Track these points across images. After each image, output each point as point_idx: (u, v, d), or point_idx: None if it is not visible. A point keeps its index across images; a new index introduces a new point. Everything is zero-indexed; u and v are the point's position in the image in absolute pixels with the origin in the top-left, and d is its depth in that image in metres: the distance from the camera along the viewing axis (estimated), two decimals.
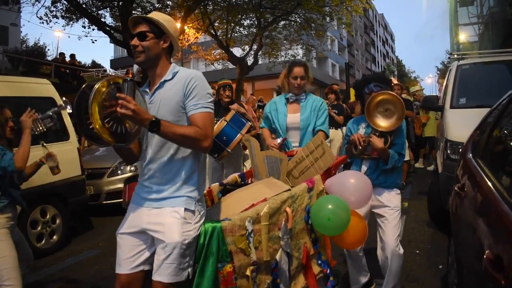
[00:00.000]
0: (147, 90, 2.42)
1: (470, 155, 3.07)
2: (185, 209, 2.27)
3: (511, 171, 2.25)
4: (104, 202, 7.15)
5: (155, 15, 2.39)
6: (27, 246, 3.70)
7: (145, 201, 2.35)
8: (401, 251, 3.40)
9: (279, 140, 3.81)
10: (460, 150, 4.72)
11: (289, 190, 2.76)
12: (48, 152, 3.69)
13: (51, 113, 3.85)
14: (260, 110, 13.82)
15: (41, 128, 3.69)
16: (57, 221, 5.73)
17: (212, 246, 2.27)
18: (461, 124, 5.31)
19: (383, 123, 3.37)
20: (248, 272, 2.39)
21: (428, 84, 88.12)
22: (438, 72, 68.89)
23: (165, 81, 2.36)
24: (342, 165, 5.77)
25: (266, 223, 2.48)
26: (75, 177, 6.03)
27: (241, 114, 5.39)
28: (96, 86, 2.05)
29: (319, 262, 2.93)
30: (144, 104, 2.25)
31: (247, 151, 8.43)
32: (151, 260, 2.33)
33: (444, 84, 7.41)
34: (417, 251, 4.87)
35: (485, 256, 1.73)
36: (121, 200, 6.53)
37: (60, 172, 3.81)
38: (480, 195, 2.38)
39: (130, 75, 17.63)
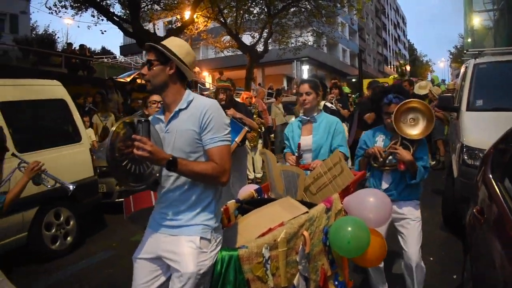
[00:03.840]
0: (162, 117, 2.40)
1: (491, 175, 2.98)
2: (201, 238, 2.25)
3: None
4: (117, 200, 7.16)
5: (168, 42, 2.37)
6: None
7: (161, 227, 2.35)
8: (422, 261, 3.44)
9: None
10: (479, 156, 4.65)
11: (306, 212, 2.71)
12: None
13: (55, 181, 3.68)
14: (273, 98, 13.70)
15: (36, 181, 3.42)
16: (71, 223, 5.76)
17: (229, 275, 2.25)
18: (478, 128, 5.21)
19: (413, 131, 3.35)
20: None
21: (441, 68, 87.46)
22: (451, 56, 68.14)
23: (180, 110, 2.32)
24: None
25: (283, 249, 2.45)
26: (88, 178, 6.05)
27: (237, 119, 5.33)
28: (114, 128, 2.08)
29: (336, 283, 2.89)
30: (159, 141, 2.25)
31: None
32: (167, 285, 2.33)
33: (459, 82, 7.26)
34: (431, 258, 4.79)
35: None
36: None
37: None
38: (502, 230, 2.30)
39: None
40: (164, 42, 2.36)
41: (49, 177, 3.52)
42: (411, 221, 3.44)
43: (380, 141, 3.56)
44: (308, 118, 3.82)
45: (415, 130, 3.35)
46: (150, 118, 2.51)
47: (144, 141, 2.01)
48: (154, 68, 2.31)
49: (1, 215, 3.10)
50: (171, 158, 2.10)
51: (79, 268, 5.16)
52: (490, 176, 2.97)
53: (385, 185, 3.49)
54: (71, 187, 3.74)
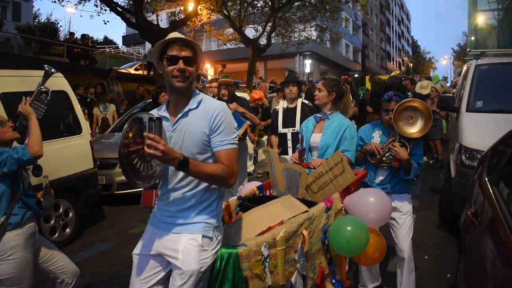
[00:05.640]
0: (167, 115, 2.37)
1: (487, 178, 3.01)
2: (203, 236, 2.27)
3: None
4: (116, 192, 7.19)
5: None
6: (62, 262, 3.43)
7: (163, 225, 2.36)
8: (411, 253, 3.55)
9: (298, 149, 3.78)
10: (477, 157, 4.68)
11: (306, 211, 2.74)
12: (48, 189, 3.41)
13: (42, 87, 3.46)
14: (276, 94, 13.61)
15: (42, 107, 3.38)
16: (70, 214, 5.79)
17: (227, 273, 2.27)
18: (477, 129, 5.24)
19: (411, 129, 3.42)
20: None
21: (443, 66, 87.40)
22: (454, 54, 68.00)
23: (190, 110, 2.32)
24: None
25: (282, 247, 2.47)
26: (88, 170, 6.08)
27: (239, 113, 5.36)
28: (126, 125, 2.06)
29: (333, 281, 2.92)
30: (166, 140, 2.22)
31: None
32: (165, 280, 2.36)
33: (460, 82, 7.26)
34: (426, 257, 4.85)
35: None
36: (133, 190, 6.58)
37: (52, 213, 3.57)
38: (494, 233, 2.32)
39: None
40: (189, 40, 2.33)
41: (37, 98, 3.40)
42: (402, 215, 3.53)
43: (376, 137, 3.62)
44: (321, 115, 3.86)
45: (413, 128, 3.42)
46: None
47: (157, 139, 1.97)
48: (193, 66, 2.30)
49: (34, 161, 3.10)
50: (182, 158, 2.08)
51: (78, 259, 5.16)
52: (486, 178, 2.99)
53: (380, 179, 3.57)
54: (49, 70, 3.56)
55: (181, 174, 2.29)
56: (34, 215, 3.18)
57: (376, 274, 3.78)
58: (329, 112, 3.82)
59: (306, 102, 5.13)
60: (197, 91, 2.41)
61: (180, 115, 2.32)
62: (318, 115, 3.91)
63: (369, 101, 8.27)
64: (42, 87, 3.47)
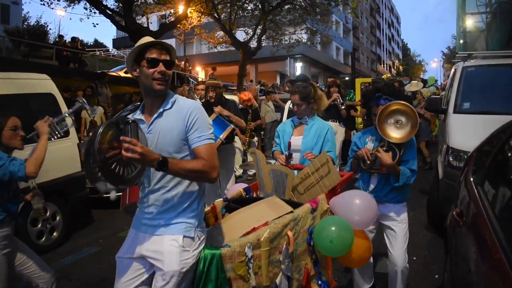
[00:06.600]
0: (142, 117, 2.38)
1: (472, 178, 3.02)
2: (184, 236, 2.27)
3: None
4: (105, 195, 7.12)
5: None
6: (36, 267, 3.33)
7: (145, 227, 2.37)
8: (407, 262, 3.49)
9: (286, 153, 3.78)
10: (464, 158, 4.71)
11: (291, 212, 2.74)
12: (36, 191, 3.46)
13: (67, 115, 3.62)
14: (265, 97, 13.63)
15: (58, 131, 3.47)
16: (57, 218, 5.75)
17: (211, 274, 2.27)
18: (464, 130, 5.28)
19: (395, 134, 3.30)
20: None
21: (433, 68, 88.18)
22: (444, 57, 68.71)
23: (164, 110, 2.33)
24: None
25: (266, 248, 2.47)
26: (75, 173, 6.04)
27: (224, 116, 5.33)
28: (100, 130, 2.05)
29: (319, 282, 2.92)
30: (145, 141, 2.22)
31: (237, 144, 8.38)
32: (149, 282, 2.36)
33: (448, 84, 7.30)
34: (414, 258, 4.85)
35: None
36: (122, 193, 6.55)
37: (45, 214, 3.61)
38: (478, 233, 2.33)
39: None
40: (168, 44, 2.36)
41: (59, 122, 3.53)
42: (397, 223, 3.47)
43: (370, 142, 3.56)
44: (300, 120, 3.91)
45: (398, 133, 3.29)
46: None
47: (134, 142, 1.97)
48: (171, 70, 2.33)
49: (25, 179, 3.09)
50: (161, 159, 2.08)
51: (65, 263, 5.15)
52: (471, 178, 3.00)
53: (372, 187, 3.51)
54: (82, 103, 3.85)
55: (159, 175, 2.29)
56: (12, 221, 3.15)
57: (368, 274, 3.74)
58: (308, 117, 3.90)
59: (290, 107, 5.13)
60: (171, 92, 2.42)
61: (155, 116, 2.33)
62: (297, 119, 3.94)
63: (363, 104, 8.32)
64: (67, 114, 3.70)
